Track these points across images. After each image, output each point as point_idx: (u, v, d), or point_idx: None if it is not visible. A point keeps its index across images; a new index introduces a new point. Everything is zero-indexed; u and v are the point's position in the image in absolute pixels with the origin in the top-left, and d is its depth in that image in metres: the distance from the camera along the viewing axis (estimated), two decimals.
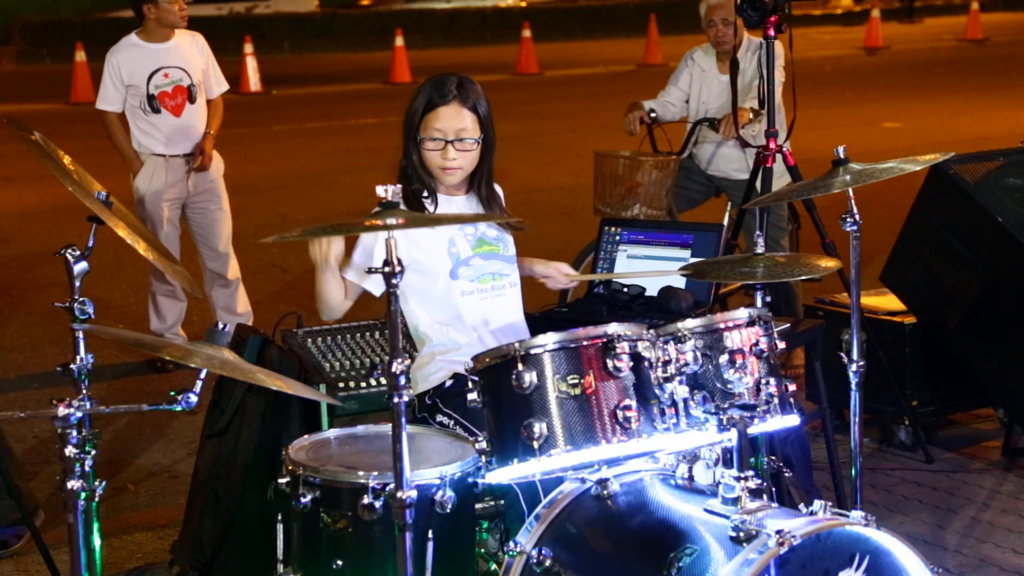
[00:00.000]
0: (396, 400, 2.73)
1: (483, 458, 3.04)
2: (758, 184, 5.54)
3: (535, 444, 2.93)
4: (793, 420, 3.20)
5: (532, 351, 2.95)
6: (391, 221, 2.74)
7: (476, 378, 3.03)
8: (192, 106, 6.55)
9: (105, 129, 6.60)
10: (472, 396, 3.03)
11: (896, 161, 3.63)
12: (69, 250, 3.23)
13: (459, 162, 3.71)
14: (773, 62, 5.43)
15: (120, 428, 5.82)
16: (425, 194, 3.76)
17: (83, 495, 2.83)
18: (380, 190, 2.80)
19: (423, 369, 3.72)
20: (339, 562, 3.10)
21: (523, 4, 31.47)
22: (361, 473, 3.08)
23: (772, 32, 5.37)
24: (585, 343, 2.97)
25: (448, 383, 3.65)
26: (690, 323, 3.09)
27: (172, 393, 2.73)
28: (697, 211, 6.74)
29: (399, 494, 2.75)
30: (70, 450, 2.80)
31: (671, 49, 20.49)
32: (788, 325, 4.41)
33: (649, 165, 6.25)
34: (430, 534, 3.05)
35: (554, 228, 9.19)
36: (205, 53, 6.66)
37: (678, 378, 3.03)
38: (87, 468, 2.86)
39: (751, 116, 5.98)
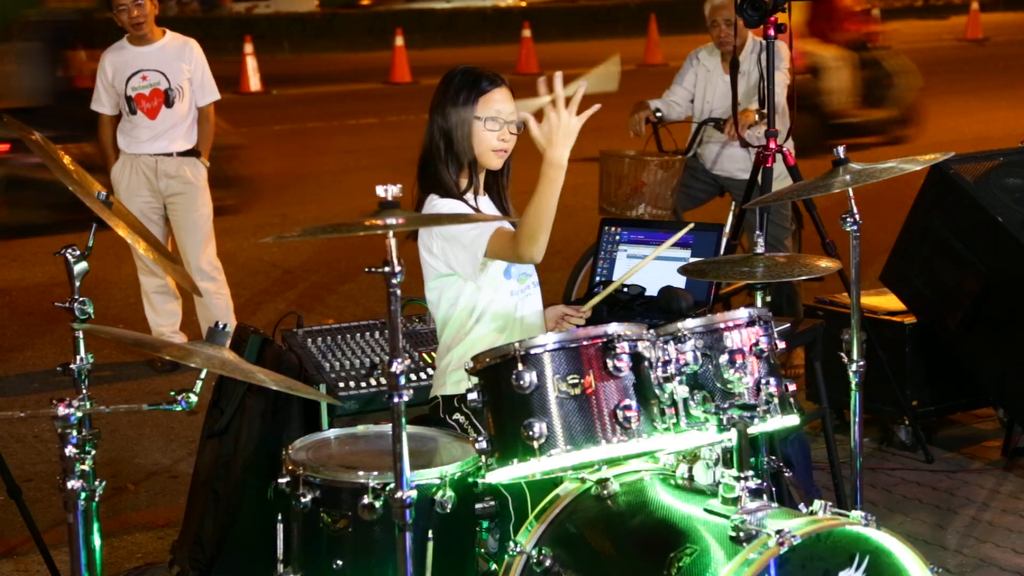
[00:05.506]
0: (396, 400, 2.73)
1: (483, 458, 3.04)
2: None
3: (535, 444, 2.92)
4: (793, 420, 3.20)
5: (532, 351, 2.95)
6: (391, 221, 2.74)
7: (476, 378, 3.03)
8: (168, 110, 6.53)
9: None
10: (473, 396, 3.03)
11: (896, 161, 3.63)
12: (69, 250, 3.22)
13: (510, 145, 3.67)
14: (773, 62, 5.43)
15: (120, 428, 5.82)
16: (463, 190, 3.67)
17: (83, 495, 2.83)
18: (380, 190, 2.80)
19: (453, 374, 3.63)
20: (339, 562, 3.10)
21: (523, 4, 31.47)
22: (361, 473, 3.08)
23: (772, 32, 5.37)
24: (585, 343, 2.97)
25: None
26: (690, 323, 3.09)
27: (172, 393, 2.73)
28: (699, 211, 6.74)
29: (399, 494, 2.75)
30: (70, 450, 2.80)
31: (671, 49, 20.49)
32: (788, 325, 4.40)
33: (654, 165, 6.24)
34: (430, 534, 3.05)
35: (553, 228, 9.15)
36: (194, 60, 6.61)
37: (678, 378, 3.02)
38: (87, 468, 2.86)
39: (756, 118, 5.97)
